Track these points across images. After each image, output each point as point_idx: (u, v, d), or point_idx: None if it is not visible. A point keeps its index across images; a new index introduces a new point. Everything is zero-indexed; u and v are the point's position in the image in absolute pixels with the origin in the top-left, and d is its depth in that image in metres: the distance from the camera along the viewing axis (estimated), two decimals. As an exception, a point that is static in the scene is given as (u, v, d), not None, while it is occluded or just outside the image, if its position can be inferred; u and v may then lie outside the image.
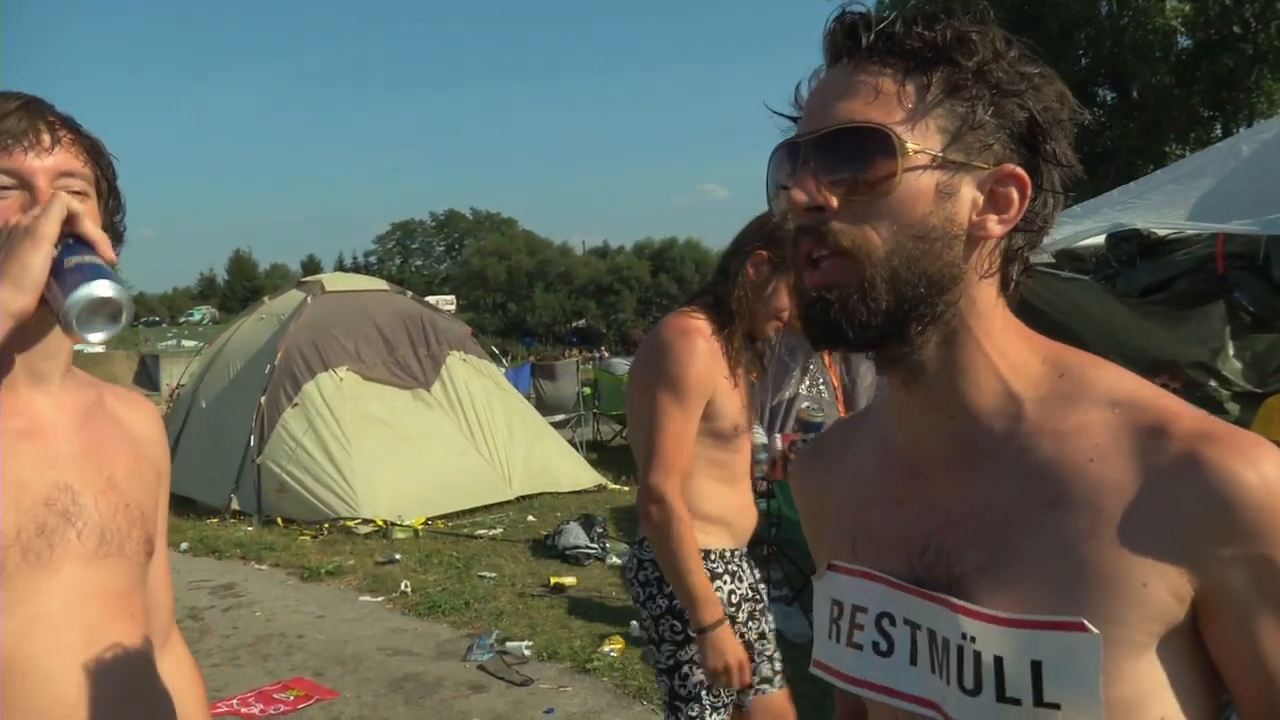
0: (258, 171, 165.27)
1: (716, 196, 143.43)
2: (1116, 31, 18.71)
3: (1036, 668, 0.87)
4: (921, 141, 0.89)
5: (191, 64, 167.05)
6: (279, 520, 8.21)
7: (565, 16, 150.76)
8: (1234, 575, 0.85)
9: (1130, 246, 5.03)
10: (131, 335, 44.27)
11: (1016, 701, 0.87)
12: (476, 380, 9.50)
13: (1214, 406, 7.75)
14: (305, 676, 5.09)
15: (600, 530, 7.30)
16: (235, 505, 8.50)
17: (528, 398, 10.83)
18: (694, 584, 2.31)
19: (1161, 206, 5.20)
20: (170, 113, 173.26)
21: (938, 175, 0.90)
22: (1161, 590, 0.85)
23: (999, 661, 0.88)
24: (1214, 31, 18.49)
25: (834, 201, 0.91)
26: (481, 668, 5.16)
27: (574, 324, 50.10)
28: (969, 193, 0.91)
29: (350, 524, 7.93)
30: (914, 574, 0.97)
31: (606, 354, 15.09)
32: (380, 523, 7.94)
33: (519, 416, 9.62)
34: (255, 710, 4.64)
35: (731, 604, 2.50)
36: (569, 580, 6.53)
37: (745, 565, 2.62)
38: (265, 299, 10.53)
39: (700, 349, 2.38)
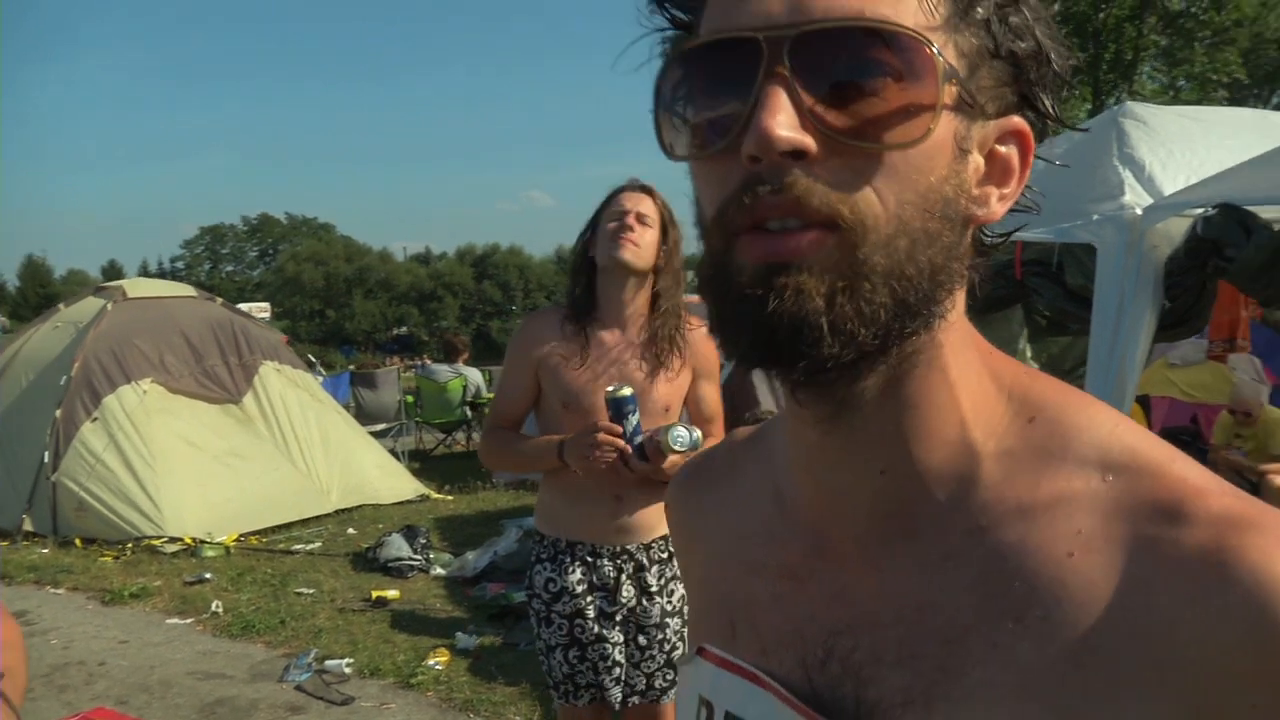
0: (52, 171, 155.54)
1: (541, 204, 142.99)
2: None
3: None
4: (952, 72, 0.59)
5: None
6: (77, 541, 7.69)
7: (386, 17, 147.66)
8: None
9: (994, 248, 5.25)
10: (-92, 346, 40.99)
11: None
12: (291, 391, 9.15)
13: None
14: (107, 706, 4.77)
15: (424, 541, 7.15)
16: (28, 526, 7.90)
17: (347, 407, 10.53)
18: (525, 450, 2.66)
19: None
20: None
21: (956, 123, 0.61)
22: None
23: None
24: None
25: (820, 142, 0.57)
26: (299, 688, 4.96)
27: (395, 331, 49.07)
28: (975, 157, 0.63)
29: (156, 543, 7.50)
30: (811, 688, 0.68)
31: (428, 361, 14.80)
32: (188, 541, 7.54)
33: (336, 428, 9.31)
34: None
35: (549, 592, 2.66)
36: (391, 593, 6.36)
37: (588, 563, 2.67)
38: (61, 306, 9.86)
39: (524, 330, 2.75)
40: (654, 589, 2.68)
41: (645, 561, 2.68)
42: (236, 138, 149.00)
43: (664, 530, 2.59)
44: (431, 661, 5.16)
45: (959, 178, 0.61)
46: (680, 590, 2.66)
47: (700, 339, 2.68)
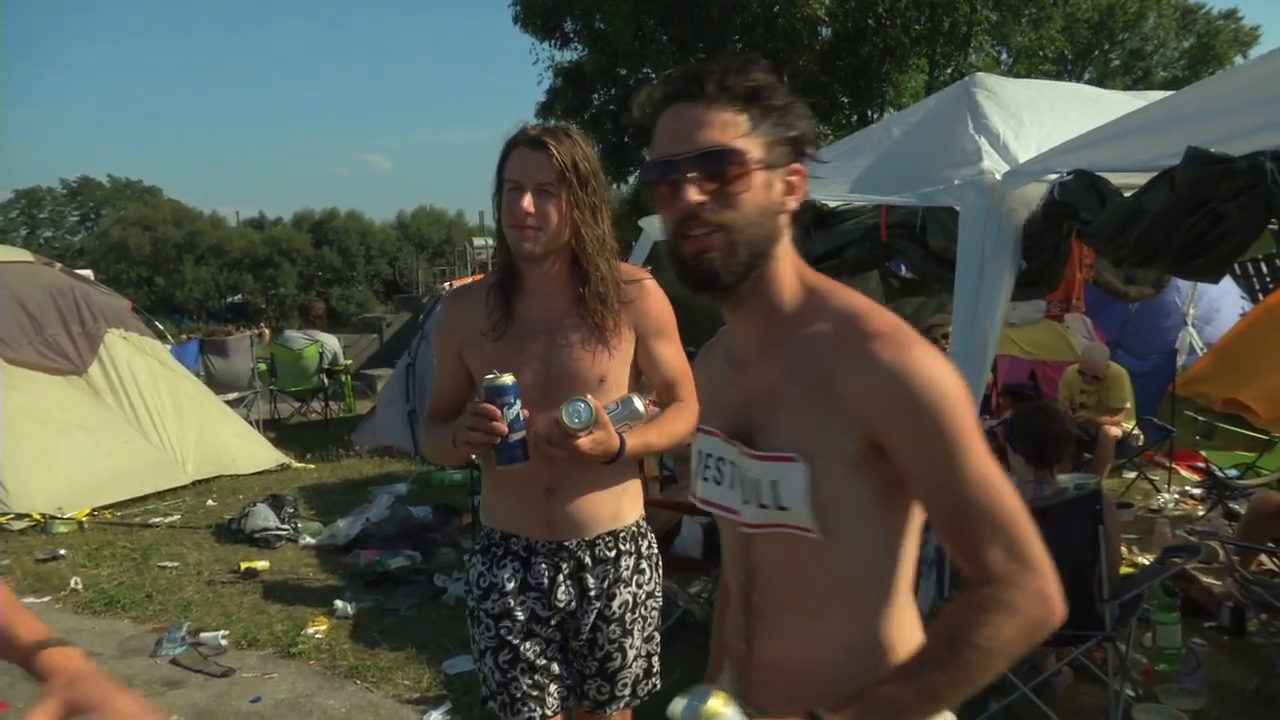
0: None
1: (380, 168, 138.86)
2: (769, 19, 19.97)
3: (775, 484, 1.38)
4: (755, 154, 1.35)
5: None
6: (-88, 521, 7.27)
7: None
8: (902, 432, 1.31)
9: (805, 217, 5.41)
10: None
11: (765, 506, 1.39)
12: (140, 359, 8.77)
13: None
14: (-34, 690, 4.57)
15: (291, 510, 7.02)
16: None
17: (196, 375, 10.16)
18: (442, 436, 2.34)
19: (828, 182, 5.65)
20: None
21: (764, 174, 1.36)
22: (850, 440, 1.33)
23: (756, 481, 1.40)
24: (852, 24, 20.19)
25: (710, 195, 1.35)
26: (175, 662, 4.85)
27: (230, 299, 47.23)
28: (778, 184, 1.39)
29: (2, 520, 7.14)
30: (732, 430, 1.46)
31: (267, 329, 14.38)
32: (37, 517, 7.21)
33: (189, 396, 8.98)
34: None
35: (480, 587, 2.42)
36: (261, 564, 6.24)
37: (522, 558, 2.40)
38: (-123, 273, 9.19)
39: (444, 309, 2.55)
40: (592, 592, 2.37)
41: (588, 560, 2.37)
42: (49, 94, 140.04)
43: (612, 525, 2.40)
44: (311, 630, 5.11)
45: (771, 197, 1.37)
46: (624, 595, 2.40)
47: (642, 294, 2.39)
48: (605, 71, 22.86)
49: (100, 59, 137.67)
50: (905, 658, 1.36)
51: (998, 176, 4.36)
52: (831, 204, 5.45)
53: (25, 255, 9.37)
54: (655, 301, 2.42)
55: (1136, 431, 7.27)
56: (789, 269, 1.43)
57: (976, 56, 22.23)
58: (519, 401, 2.15)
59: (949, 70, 20.72)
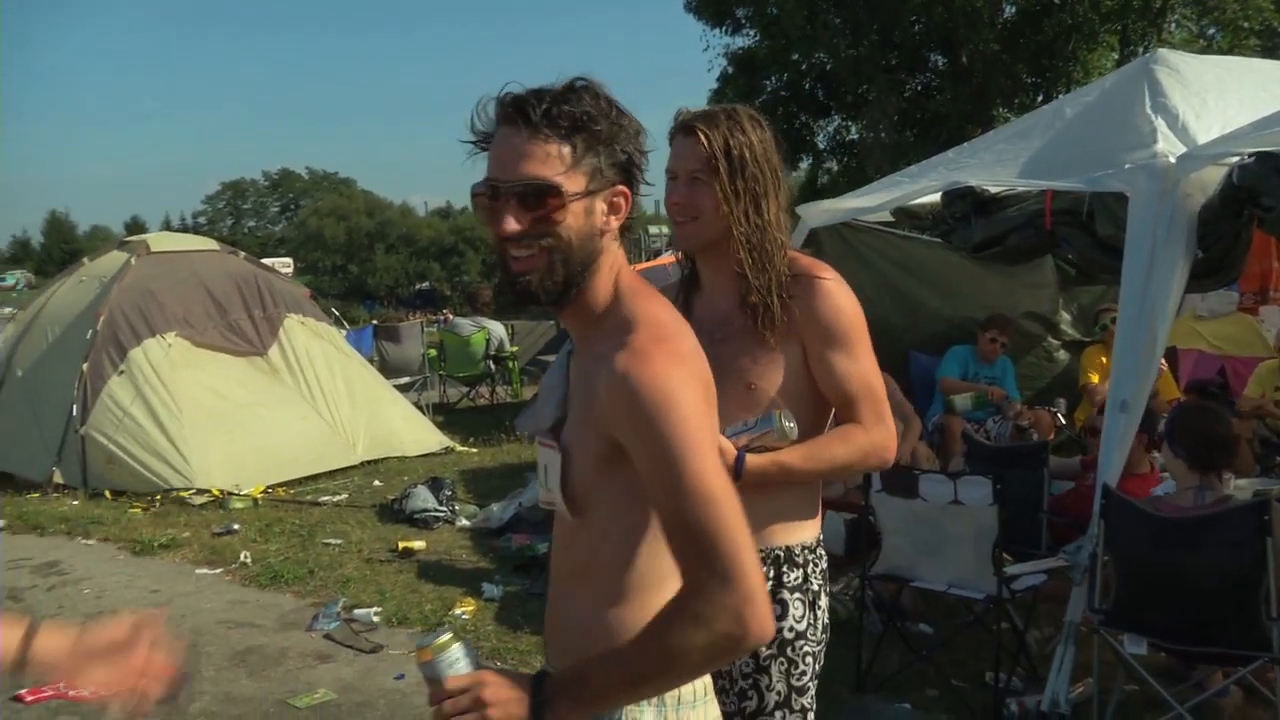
0: (74, 127, 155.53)
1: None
2: (947, -2, 19.28)
3: (546, 468, 1.55)
4: (575, 186, 1.44)
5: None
6: (107, 493, 7.79)
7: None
8: (628, 436, 1.40)
9: (965, 204, 5.17)
10: (-65, 302, 41.26)
11: (547, 487, 1.55)
12: (316, 344, 9.18)
13: (1045, 355, 8.19)
14: (139, 654, 4.84)
15: (449, 493, 7.20)
16: (59, 478, 7.99)
17: (371, 361, 10.55)
18: None
19: (993, 165, 5.38)
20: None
21: (584, 202, 1.46)
22: (595, 438, 1.46)
23: (545, 465, 1.56)
24: (1035, 1, 19.30)
25: (527, 224, 1.44)
26: (328, 637, 5.03)
27: (418, 286, 49.01)
28: (600, 206, 1.48)
29: (184, 495, 7.58)
30: (555, 424, 1.59)
31: (451, 316, 14.83)
32: (216, 493, 7.62)
33: (362, 380, 9.35)
34: (85, 692, 4.38)
35: None
36: (418, 544, 6.42)
37: None
38: (85, 260, 9.91)
39: None
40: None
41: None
42: (254, 91, 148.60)
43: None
44: (458, 610, 5.22)
45: (592, 218, 1.47)
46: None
47: (811, 293, 2.14)
48: (777, 57, 22.53)
49: (296, 53, 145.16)
50: (618, 644, 1.44)
51: (1172, 159, 4.06)
52: (993, 189, 5.19)
53: (212, 244, 9.93)
54: (828, 302, 2.14)
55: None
56: (606, 279, 1.52)
57: (1177, 31, 20.88)
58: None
59: (1142, 48, 19.52)
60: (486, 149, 1.48)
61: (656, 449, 1.36)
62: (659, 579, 1.48)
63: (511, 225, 1.43)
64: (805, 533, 2.20)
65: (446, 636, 1.46)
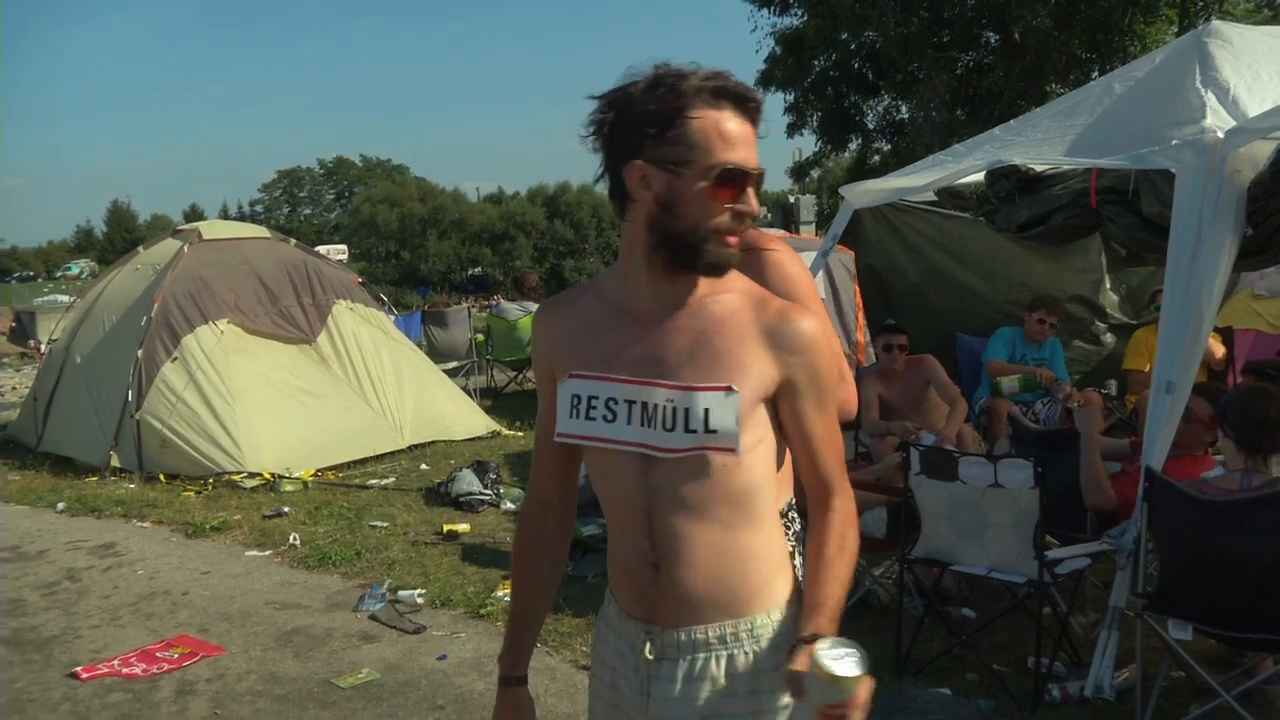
0: (135, 118, 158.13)
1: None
2: (1000, -27, 18.93)
3: (707, 411, 1.58)
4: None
5: (57, 3, 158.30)
6: (161, 476, 7.96)
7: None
8: (803, 372, 1.62)
9: (1009, 182, 5.09)
10: (3, 291, 42.26)
11: (693, 431, 1.59)
12: (364, 329, 9.28)
13: (1091, 339, 8.05)
14: (190, 633, 4.95)
15: (494, 476, 7.25)
16: (115, 462, 8.19)
17: (419, 346, 10.64)
18: None
19: (1039, 143, 5.28)
20: (37, 55, 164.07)
21: None
22: (761, 379, 1.60)
23: (688, 410, 1.59)
24: (1092, -27, 18.88)
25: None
26: (373, 618, 5.10)
27: (470, 272, 49.29)
28: None
29: (236, 478, 7.72)
30: (633, 373, 1.63)
31: (502, 300, 14.93)
32: (267, 476, 7.75)
33: (409, 365, 9.43)
34: (138, 670, 4.49)
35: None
36: (462, 527, 6.48)
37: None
38: (140, 248, 10.10)
39: None
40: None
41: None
42: (308, 81, 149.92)
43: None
44: (501, 593, 5.25)
45: None
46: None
47: (765, 267, 2.10)
48: (826, 36, 22.29)
49: (347, 43, 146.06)
50: (763, 558, 1.69)
51: (1220, 134, 3.96)
52: (1038, 168, 5.10)
53: (263, 232, 10.06)
54: (778, 272, 2.13)
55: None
56: None
57: (1234, 2, 20.32)
58: None
59: (1202, 20, 19.02)
60: (687, 123, 1.53)
61: (827, 388, 1.65)
62: (774, 497, 1.71)
63: (758, 207, 1.63)
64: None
65: (857, 674, 1.40)
